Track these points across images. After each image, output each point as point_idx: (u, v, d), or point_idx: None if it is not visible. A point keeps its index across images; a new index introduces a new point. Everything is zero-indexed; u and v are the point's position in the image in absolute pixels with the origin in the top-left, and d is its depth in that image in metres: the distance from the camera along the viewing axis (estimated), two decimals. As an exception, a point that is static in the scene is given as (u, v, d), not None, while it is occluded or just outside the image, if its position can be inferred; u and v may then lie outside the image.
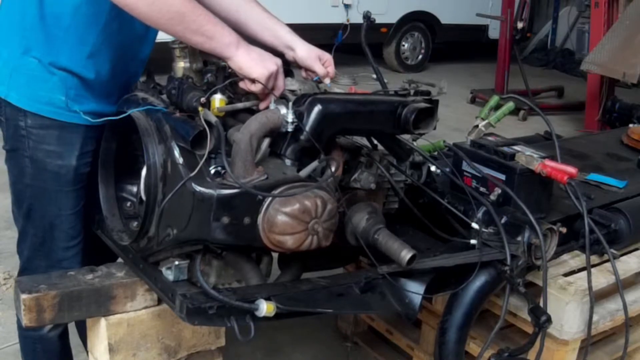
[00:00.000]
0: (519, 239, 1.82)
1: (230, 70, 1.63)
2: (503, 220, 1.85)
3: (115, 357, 1.68)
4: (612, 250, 2.03)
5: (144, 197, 1.57)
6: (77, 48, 1.64)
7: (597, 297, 1.95)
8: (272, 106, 1.60)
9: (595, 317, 1.93)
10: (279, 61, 1.62)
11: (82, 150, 1.71)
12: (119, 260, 1.81)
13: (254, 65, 1.57)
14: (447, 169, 2.04)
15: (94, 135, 1.72)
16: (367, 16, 2.25)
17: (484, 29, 9.57)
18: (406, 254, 1.62)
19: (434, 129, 1.77)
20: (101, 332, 1.68)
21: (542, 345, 1.77)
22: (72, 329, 2.10)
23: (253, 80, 1.58)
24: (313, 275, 1.80)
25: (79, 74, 1.65)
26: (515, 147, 2.02)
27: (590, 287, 1.89)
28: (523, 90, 7.01)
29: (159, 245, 1.56)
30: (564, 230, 1.88)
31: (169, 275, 1.59)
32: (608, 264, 2.03)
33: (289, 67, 1.83)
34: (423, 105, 1.73)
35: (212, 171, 1.51)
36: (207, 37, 1.54)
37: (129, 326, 1.69)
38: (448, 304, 1.85)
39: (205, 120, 1.49)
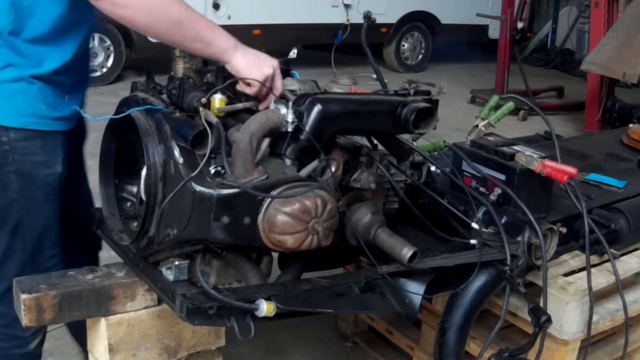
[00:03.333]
0: (519, 239, 1.82)
1: None
2: (503, 220, 1.85)
3: (115, 357, 1.68)
4: (612, 250, 2.03)
5: (144, 197, 1.57)
6: (57, 57, 1.63)
7: (597, 297, 1.95)
8: (272, 106, 1.60)
9: (595, 317, 1.93)
10: (275, 63, 1.63)
11: (63, 156, 1.71)
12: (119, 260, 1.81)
13: (250, 68, 1.58)
14: (447, 169, 2.04)
15: (68, 139, 1.72)
16: (367, 16, 2.26)
17: (484, 29, 9.56)
18: (407, 251, 1.62)
19: (434, 128, 1.78)
20: (101, 332, 1.68)
21: (542, 345, 1.77)
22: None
23: (249, 83, 1.59)
24: (313, 275, 1.80)
25: (57, 80, 1.64)
26: (515, 147, 2.02)
27: (590, 287, 1.89)
28: (523, 90, 7.01)
29: (159, 245, 1.56)
30: (564, 230, 1.88)
31: (169, 275, 1.59)
32: (608, 264, 2.03)
33: (289, 67, 1.83)
34: (423, 105, 1.73)
35: (212, 171, 1.51)
36: (205, 43, 1.55)
37: (129, 326, 1.69)
38: (448, 304, 1.85)
39: (206, 120, 1.49)
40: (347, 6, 8.13)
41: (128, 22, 1.51)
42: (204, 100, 1.51)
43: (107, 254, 2.07)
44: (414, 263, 1.64)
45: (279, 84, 1.64)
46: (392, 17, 8.62)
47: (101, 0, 1.47)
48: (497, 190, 1.94)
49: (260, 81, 1.59)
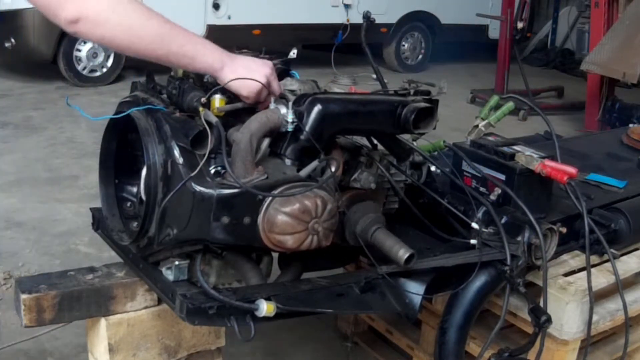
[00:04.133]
0: (519, 239, 1.82)
1: None
2: (503, 220, 1.85)
3: (115, 357, 1.68)
4: (612, 250, 2.03)
5: (144, 197, 1.57)
6: None
7: (597, 297, 1.95)
8: (272, 106, 1.60)
9: (595, 317, 1.93)
10: (267, 70, 1.59)
11: None
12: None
13: (240, 84, 1.55)
14: (447, 169, 2.04)
15: None
16: (367, 16, 2.26)
17: (484, 29, 9.57)
18: (404, 254, 1.61)
19: (434, 128, 1.77)
20: (101, 332, 1.68)
21: (542, 345, 1.77)
22: (72, 329, 2.10)
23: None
24: (313, 275, 1.80)
25: None
26: (515, 147, 2.02)
27: (590, 287, 1.89)
28: (523, 90, 7.01)
29: (159, 245, 1.55)
30: (564, 230, 1.88)
31: (169, 275, 1.59)
32: (608, 264, 2.03)
33: (288, 67, 1.83)
34: (423, 104, 1.73)
35: (212, 171, 1.51)
36: (189, 58, 1.51)
37: (129, 326, 1.69)
38: (448, 304, 1.85)
39: (206, 120, 1.49)
40: (347, 6, 8.14)
41: (108, 41, 1.44)
42: (203, 100, 1.51)
43: (107, 254, 2.07)
44: (411, 265, 1.64)
45: (275, 88, 1.61)
46: (392, 17, 8.63)
47: (80, 23, 1.39)
48: (497, 190, 1.94)
49: (253, 96, 1.56)
